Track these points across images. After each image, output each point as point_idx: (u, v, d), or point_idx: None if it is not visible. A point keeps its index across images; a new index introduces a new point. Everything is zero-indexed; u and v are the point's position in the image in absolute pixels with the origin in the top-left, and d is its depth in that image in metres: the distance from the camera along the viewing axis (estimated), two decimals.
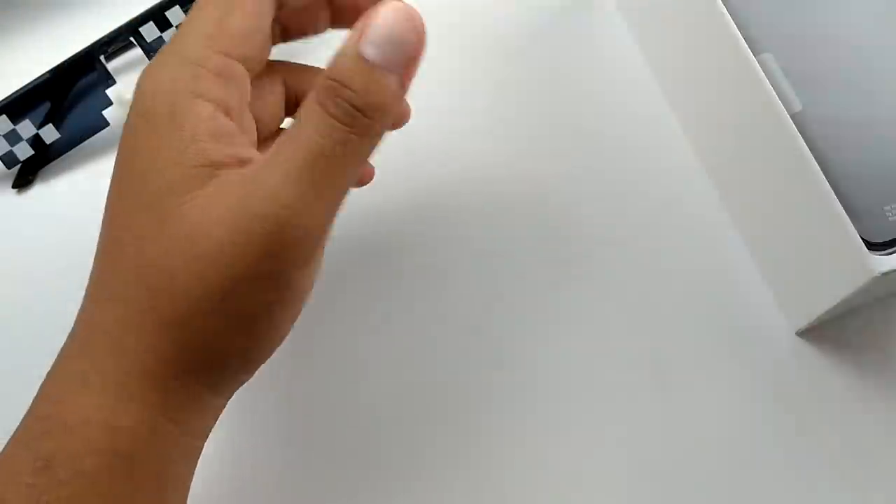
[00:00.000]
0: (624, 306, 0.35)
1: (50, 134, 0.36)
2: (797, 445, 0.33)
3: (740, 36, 0.32)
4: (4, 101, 0.35)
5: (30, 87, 0.35)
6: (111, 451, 0.22)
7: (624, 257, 0.36)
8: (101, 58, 0.36)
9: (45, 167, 0.37)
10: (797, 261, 0.33)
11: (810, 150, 0.30)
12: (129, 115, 0.24)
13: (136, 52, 0.37)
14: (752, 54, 0.31)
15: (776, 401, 0.34)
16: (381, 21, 0.22)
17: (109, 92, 0.37)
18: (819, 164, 0.30)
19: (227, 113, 0.24)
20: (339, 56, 0.22)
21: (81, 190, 0.37)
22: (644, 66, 0.39)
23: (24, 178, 0.37)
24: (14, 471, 0.22)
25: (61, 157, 0.37)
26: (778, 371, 0.34)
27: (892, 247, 0.30)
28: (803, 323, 0.34)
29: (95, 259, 0.25)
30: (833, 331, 0.35)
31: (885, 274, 0.29)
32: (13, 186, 0.37)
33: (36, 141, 0.36)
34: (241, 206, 0.22)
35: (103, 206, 0.36)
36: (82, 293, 0.34)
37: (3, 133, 0.36)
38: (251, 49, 0.25)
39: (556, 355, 0.34)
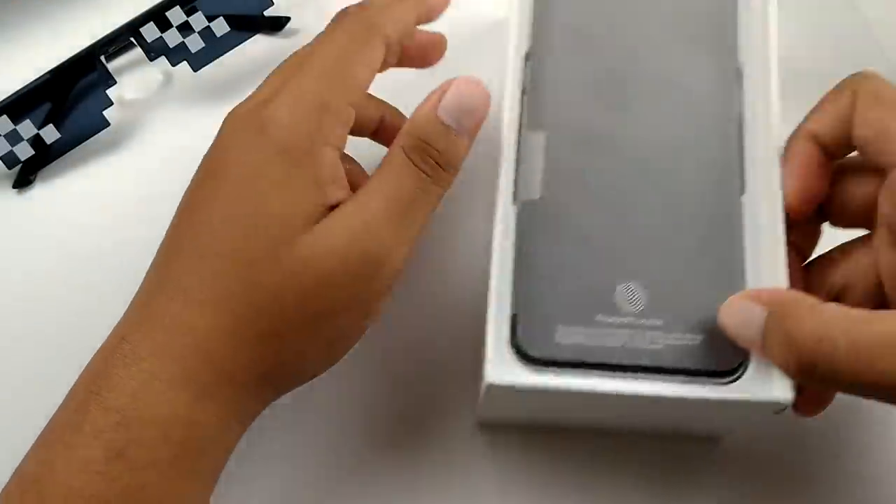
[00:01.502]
0: None
1: (51, 134, 0.36)
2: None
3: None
4: (5, 102, 0.35)
5: (30, 87, 0.35)
6: (185, 443, 0.24)
7: None
8: (102, 58, 0.36)
9: (46, 167, 0.37)
10: None
11: (545, 242, 0.27)
12: (256, 140, 0.26)
13: (137, 52, 0.37)
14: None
15: None
16: (454, 90, 0.27)
17: (110, 92, 0.37)
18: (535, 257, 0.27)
19: (341, 157, 0.27)
20: (422, 117, 0.27)
21: (82, 190, 0.37)
22: None
23: (25, 178, 0.37)
24: (84, 459, 0.23)
25: (62, 158, 0.38)
26: None
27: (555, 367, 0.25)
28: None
29: (174, 261, 0.26)
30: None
31: (500, 386, 0.25)
32: (14, 186, 0.37)
33: (37, 141, 0.36)
34: (349, 242, 0.25)
35: (104, 205, 0.36)
36: (81, 292, 0.35)
37: (3, 133, 0.36)
38: (363, 98, 0.28)
39: None
